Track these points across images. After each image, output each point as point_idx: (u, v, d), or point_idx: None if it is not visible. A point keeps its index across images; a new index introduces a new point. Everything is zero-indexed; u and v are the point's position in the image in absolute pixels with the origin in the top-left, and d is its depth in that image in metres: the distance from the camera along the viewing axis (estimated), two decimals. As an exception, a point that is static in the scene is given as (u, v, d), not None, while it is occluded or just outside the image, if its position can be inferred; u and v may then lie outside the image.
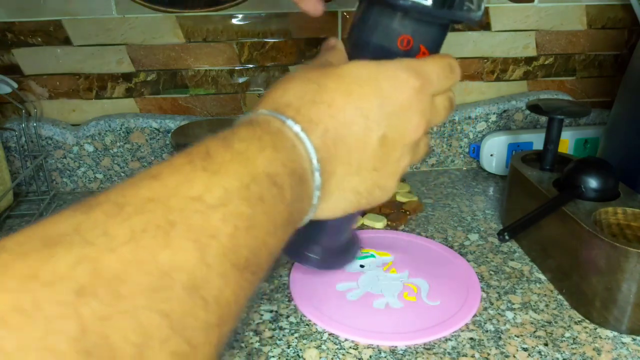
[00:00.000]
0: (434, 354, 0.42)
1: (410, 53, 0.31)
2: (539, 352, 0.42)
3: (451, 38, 0.76)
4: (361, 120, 0.28)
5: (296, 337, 0.44)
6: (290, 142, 0.26)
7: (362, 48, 0.32)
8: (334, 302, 0.48)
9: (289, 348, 0.43)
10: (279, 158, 0.25)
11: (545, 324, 0.46)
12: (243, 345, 0.43)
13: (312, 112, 0.27)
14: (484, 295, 0.49)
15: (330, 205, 0.30)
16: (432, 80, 0.30)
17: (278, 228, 0.24)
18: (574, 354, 0.42)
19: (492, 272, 0.53)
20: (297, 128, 0.26)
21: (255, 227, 0.22)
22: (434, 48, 0.32)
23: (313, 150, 0.27)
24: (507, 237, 0.45)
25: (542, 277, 0.52)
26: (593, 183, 0.49)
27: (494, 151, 0.75)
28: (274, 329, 0.45)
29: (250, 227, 0.22)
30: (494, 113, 0.77)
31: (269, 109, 0.27)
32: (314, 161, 0.27)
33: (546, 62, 0.79)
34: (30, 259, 0.16)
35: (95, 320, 0.16)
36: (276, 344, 0.43)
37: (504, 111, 0.77)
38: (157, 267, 0.18)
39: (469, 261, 0.55)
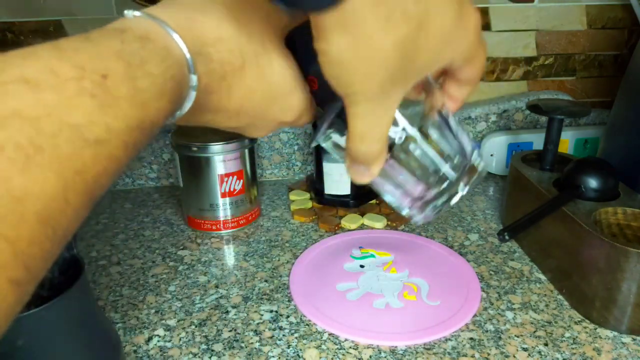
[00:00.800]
0: (434, 354, 0.42)
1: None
2: (539, 352, 0.42)
3: (451, 38, 0.76)
4: (233, 116, 0.29)
5: (296, 337, 0.44)
6: (186, 92, 0.25)
7: (303, 41, 0.32)
8: (334, 302, 0.48)
9: (289, 348, 0.43)
10: (169, 110, 0.24)
11: (545, 324, 0.46)
12: (243, 345, 0.43)
13: (216, 82, 0.27)
14: (484, 295, 0.49)
15: None
16: (298, 123, 0.33)
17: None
18: (574, 354, 0.42)
19: (492, 272, 0.53)
20: (194, 83, 0.25)
21: (119, 169, 0.21)
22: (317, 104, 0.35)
23: (189, 106, 0.26)
24: (507, 237, 0.45)
25: (542, 277, 0.52)
26: (593, 183, 0.49)
27: (494, 151, 0.75)
28: (274, 329, 0.45)
29: (116, 171, 0.21)
30: (494, 113, 0.77)
31: (191, 44, 0.24)
32: (178, 113, 0.26)
33: (546, 62, 0.79)
34: None
35: None
36: (276, 344, 0.43)
37: (504, 111, 0.77)
38: (8, 191, 0.16)
39: (469, 261, 0.55)
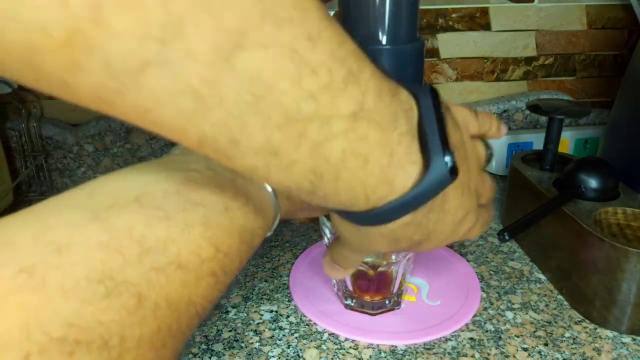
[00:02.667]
0: (434, 354, 0.42)
1: None
2: (539, 352, 0.42)
3: (451, 38, 0.76)
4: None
5: (296, 337, 0.44)
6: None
7: None
8: (334, 301, 0.48)
9: (289, 348, 0.43)
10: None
11: (545, 324, 0.46)
12: (243, 345, 0.43)
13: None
14: (484, 295, 0.49)
15: None
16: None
17: None
18: (574, 354, 0.42)
19: (492, 272, 0.53)
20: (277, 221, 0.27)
21: None
22: None
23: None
24: (507, 237, 0.45)
25: (542, 277, 0.52)
26: (593, 183, 0.49)
27: (494, 151, 0.75)
28: (274, 329, 0.45)
29: None
30: (494, 113, 0.77)
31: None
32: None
33: (546, 62, 0.79)
34: None
35: None
36: (276, 344, 0.43)
37: (504, 111, 0.77)
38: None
39: (469, 261, 0.55)
